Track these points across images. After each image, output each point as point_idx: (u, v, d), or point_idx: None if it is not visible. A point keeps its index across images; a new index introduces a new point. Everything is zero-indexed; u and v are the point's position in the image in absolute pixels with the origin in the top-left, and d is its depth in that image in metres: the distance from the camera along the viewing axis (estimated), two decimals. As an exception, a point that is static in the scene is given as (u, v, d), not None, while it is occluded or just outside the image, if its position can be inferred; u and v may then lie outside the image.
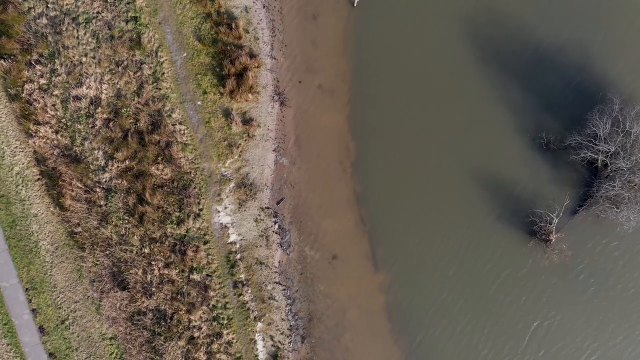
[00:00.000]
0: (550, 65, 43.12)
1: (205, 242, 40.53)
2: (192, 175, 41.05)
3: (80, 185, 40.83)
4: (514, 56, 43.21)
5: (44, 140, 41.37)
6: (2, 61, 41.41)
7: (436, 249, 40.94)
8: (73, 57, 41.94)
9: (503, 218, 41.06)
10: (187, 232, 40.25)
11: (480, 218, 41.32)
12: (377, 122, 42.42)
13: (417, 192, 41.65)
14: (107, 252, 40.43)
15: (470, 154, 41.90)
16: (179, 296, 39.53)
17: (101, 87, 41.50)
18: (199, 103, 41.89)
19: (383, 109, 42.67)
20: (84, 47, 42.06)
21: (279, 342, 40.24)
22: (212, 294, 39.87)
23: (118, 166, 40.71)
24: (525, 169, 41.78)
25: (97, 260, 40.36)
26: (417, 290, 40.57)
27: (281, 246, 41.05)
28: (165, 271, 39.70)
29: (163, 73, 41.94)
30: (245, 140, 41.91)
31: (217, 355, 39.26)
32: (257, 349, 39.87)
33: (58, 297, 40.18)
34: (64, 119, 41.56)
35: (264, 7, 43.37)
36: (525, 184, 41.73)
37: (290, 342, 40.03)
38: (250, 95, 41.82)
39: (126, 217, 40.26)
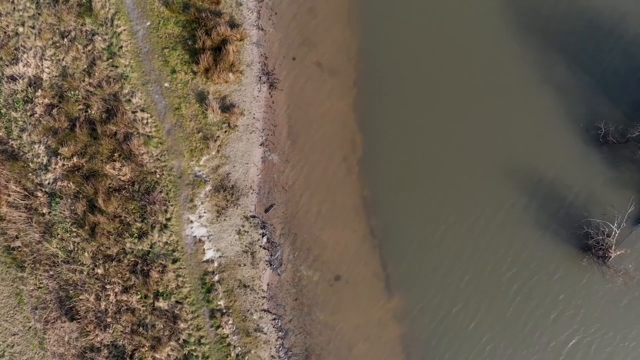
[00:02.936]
0: (608, 39, 37.66)
1: (174, 261, 35.19)
2: (158, 176, 35.83)
3: (18, 188, 35.34)
4: (563, 27, 37.94)
5: (-27, 131, 35.96)
6: None
7: (462, 264, 35.99)
8: (7, 26, 36.46)
9: (548, 229, 35.87)
10: (151, 247, 35.01)
11: (521, 226, 36.15)
12: (390, 109, 37.61)
13: (440, 195, 36.65)
14: (52, 272, 35.13)
15: (507, 149, 36.83)
16: (141, 329, 34.29)
17: (42, 65, 36.17)
18: (166, 85, 36.76)
19: (397, 92, 37.75)
20: (21, 13, 36.55)
21: (268, 385, 35.14)
22: (182, 325, 34.47)
23: (64, 164, 35.34)
24: (577, 168, 36.40)
25: (41, 283, 35.16)
26: (434, 314, 35.92)
27: (271, 265, 36.18)
28: (124, 297, 34.50)
29: (121, 47, 36.75)
30: (225, 131, 36.71)
31: (189, 405, 34.18)
32: (240, 395, 35.03)
33: (-9, 328, 35.06)
34: (-4, 105, 36.18)
35: (249, -36, 38.78)
36: (576, 187, 36.23)
37: (282, 385, 35.26)
38: (231, 74, 36.65)
39: (74, 229, 34.96)
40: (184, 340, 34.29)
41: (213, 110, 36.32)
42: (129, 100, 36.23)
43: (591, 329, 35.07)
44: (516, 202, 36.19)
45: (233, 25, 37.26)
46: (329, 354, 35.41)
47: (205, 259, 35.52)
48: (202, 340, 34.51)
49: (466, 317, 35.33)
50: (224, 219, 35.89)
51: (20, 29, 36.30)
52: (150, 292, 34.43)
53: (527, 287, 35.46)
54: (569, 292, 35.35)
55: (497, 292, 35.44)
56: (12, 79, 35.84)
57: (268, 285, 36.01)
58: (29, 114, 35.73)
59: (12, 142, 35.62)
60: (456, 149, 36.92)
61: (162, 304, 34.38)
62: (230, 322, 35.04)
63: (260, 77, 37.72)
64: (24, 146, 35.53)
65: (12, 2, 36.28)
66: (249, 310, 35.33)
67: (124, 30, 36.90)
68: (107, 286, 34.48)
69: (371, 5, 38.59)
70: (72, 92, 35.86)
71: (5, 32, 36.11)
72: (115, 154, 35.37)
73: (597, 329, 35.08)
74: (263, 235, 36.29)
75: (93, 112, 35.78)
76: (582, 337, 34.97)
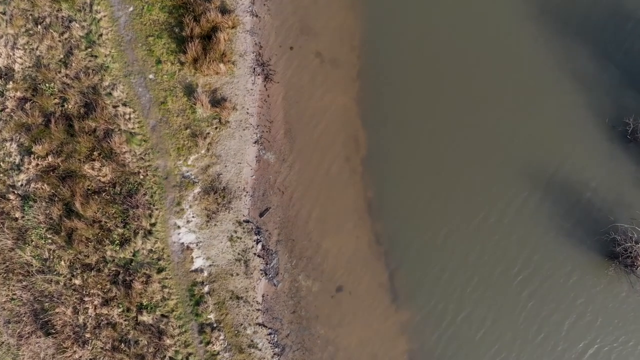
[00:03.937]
0: (633, 24, 35.97)
1: (160, 270, 33.72)
2: (142, 177, 34.41)
3: (-12, 190, 33.58)
4: (588, 11, 36.45)
5: (-60, 128, 34.11)
6: None
7: (470, 268, 34.80)
8: (-25, 12, 34.78)
9: (566, 230, 34.48)
10: (133, 255, 33.56)
11: (535, 228, 34.69)
12: (397, 104, 36.34)
13: (450, 195, 35.32)
14: (26, 282, 33.51)
15: (525, 145, 35.33)
16: (123, 345, 32.74)
17: (14, 54, 34.65)
18: (150, 76, 35.32)
19: (405, 85, 36.48)
20: (-9, -2, 34.94)
21: (263, 406, 33.60)
22: (169, 342, 32.92)
23: (38, 164, 33.80)
24: (602, 168, 34.83)
25: (14, 294, 33.65)
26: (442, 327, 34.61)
27: (266, 274, 34.81)
28: (104, 310, 33.01)
29: (100, 35, 35.24)
30: (216, 128, 35.28)
31: None
32: (232, 419, 33.50)
33: (-40, 343, 33.40)
34: (-36, 99, 34.46)
35: (242, -55, 37.04)
36: (601, 189, 34.68)
37: (278, 407, 33.85)
38: (222, 65, 35.25)
39: (49, 235, 33.40)
40: (170, 357, 32.74)
41: (202, 105, 34.82)
42: (110, 94, 34.70)
43: (611, 337, 33.73)
44: (532, 202, 34.81)
45: (224, 11, 35.71)
46: (329, 372, 33.84)
47: (193, 268, 34.10)
48: (191, 358, 32.99)
49: (474, 325, 34.15)
50: (215, 224, 34.34)
51: (-10, 15, 34.49)
52: (133, 304, 32.93)
53: (541, 292, 34.13)
54: (586, 297, 33.96)
55: (508, 300, 34.12)
56: (-19, 70, 33.96)
57: (263, 296, 34.64)
58: (-1, 108, 34.03)
59: (-18, 139, 33.71)
60: (468, 146, 35.47)
61: (146, 317, 32.88)
62: (222, 337, 33.59)
63: (254, 69, 36.28)
64: (-5, 144, 33.78)
65: (-19, -15, 34.38)
66: (242, 325, 33.87)
67: (104, 16, 35.39)
68: (86, 298, 32.89)
69: (377, -11, 37.11)
70: (47, 85, 34.17)
71: (-27, 19, 34.27)
72: (95, 153, 33.81)
73: (617, 336, 33.68)
74: (257, 241, 34.98)
75: (70, 106, 34.14)
76: (601, 346, 33.56)
